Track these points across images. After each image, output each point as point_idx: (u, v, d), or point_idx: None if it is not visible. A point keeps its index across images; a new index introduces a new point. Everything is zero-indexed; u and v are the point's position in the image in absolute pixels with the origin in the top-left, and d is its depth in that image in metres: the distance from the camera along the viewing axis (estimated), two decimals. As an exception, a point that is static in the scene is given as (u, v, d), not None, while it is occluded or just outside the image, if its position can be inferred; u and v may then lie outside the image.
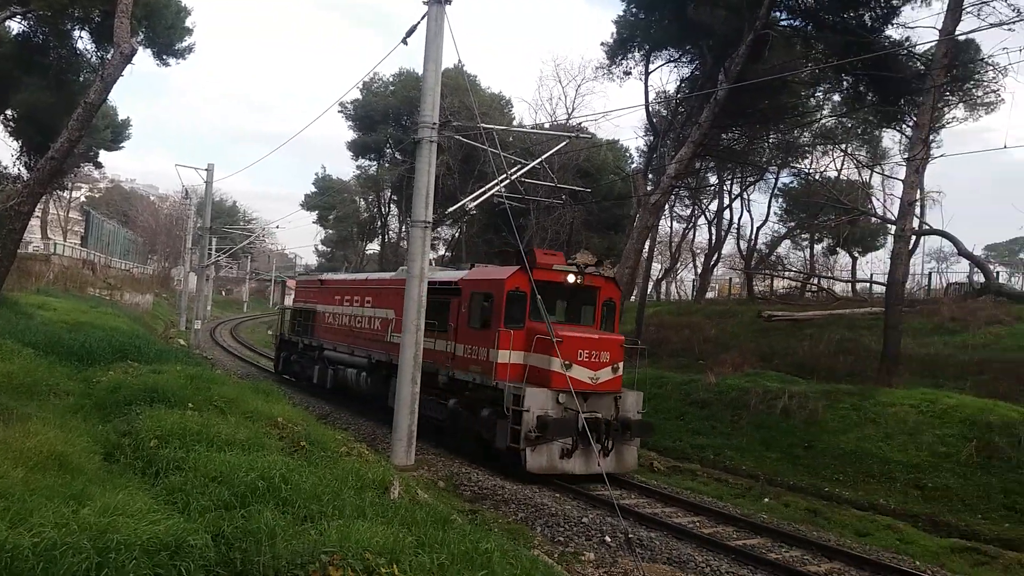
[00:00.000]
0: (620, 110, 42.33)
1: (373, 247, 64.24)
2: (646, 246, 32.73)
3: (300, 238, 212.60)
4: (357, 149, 54.41)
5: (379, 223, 58.93)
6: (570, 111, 41.30)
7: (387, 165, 52.20)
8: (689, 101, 30.37)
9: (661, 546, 10.98)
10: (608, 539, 11.09)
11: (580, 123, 38.77)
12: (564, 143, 22.98)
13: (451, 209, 20.16)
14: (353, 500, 6.53)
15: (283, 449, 8.55)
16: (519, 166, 19.03)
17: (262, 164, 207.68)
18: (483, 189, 18.42)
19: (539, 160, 20.21)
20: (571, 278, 15.62)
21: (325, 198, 65.65)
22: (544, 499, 13.09)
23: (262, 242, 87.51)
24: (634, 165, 42.26)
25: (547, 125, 39.40)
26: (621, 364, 15.11)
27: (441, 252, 53.30)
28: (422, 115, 14.55)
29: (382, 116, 50.31)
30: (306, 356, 25.52)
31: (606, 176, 42.20)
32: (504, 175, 17.56)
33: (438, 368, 16.78)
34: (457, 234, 48.62)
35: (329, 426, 13.83)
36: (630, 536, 10.91)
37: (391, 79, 51.56)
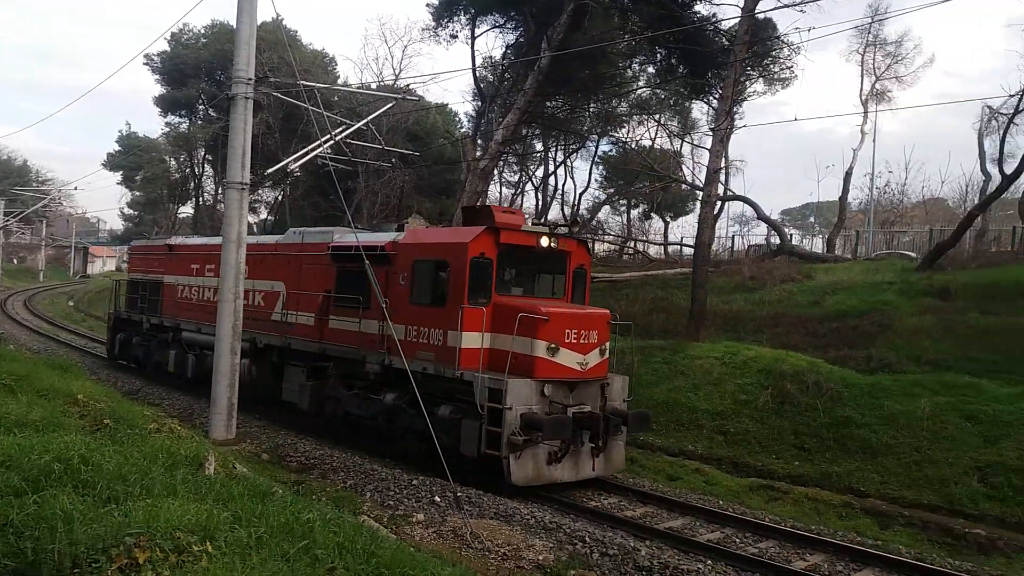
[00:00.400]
0: (447, 73, 42.25)
1: (186, 210, 60.40)
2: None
3: (103, 201, 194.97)
4: (166, 105, 50.73)
5: (192, 184, 55.36)
6: (397, 72, 40.61)
7: (200, 122, 49.08)
8: (515, 67, 30.79)
9: (489, 502, 11.26)
10: (438, 499, 11.22)
11: (408, 85, 38.24)
12: (391, 104, 22.58)
13: (271, 170, 19.26)
14: (163, 478, 6.17)
15: (84, 428, 7.92)
16: (344, 127, 18.53)
17: (56, 120, 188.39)
18: (306, 150, 17.78)
19: (365, 121, 19.76)
20: (544, 241, 13.06)
21: (131, 157, 60.88)
22: (374, 464, 13.02)
23: (59, 205, 79.75)
24: (463, 130, 42.42)
25: (374, 86, 38.52)
26: (608, 345, 12.87)
27: (263, 216, 51.09)
28: (236, 70, 13.75)
29: (193, 70, 47.12)
30: (155, 339, 21.42)
31: (436, 140, 42.01)
32: (328, 135, 17.03)
33: (365, 354, 13.97)
34: (280, 197, 46.70)
35: (139, 402, 13.04)
36: (459, 495, 11.10)
37: (203, 30, 48.32)
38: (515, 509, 10.95)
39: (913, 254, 31.13)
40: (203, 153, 51.73)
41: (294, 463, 13.12)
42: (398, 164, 34.37)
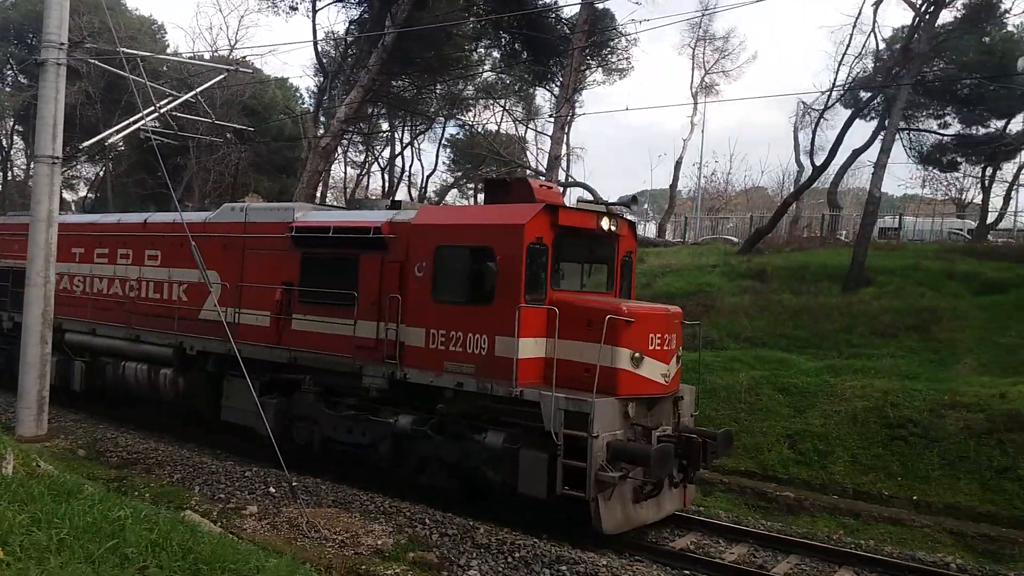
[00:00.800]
0: (287, 45, 40.57)
1: (-6, 186, 54.74)
2: (318, 191, 32.14)
3: None
4: (-33, 68, 45.59)
5: (0, 158, 50.22)
6: (233, 43, 38.59)
7: (8, 89, 44.55)
8: (358, 44, 30.07)
9: (327, 490, 11.05)
10: (272, 490, 10.89)
11: (244, 57, 36.51)
12: (223, 76, 21.44)
13: (87, 143, 17.79)
14: (-51, 481, 5.61)
15: None
16: (170, 98, 17.42)
17: None
18: (127, 122, 16.61)
19: (193, 93, 18.65)
20: (605, 223, 10.57)
21: (-75, 125, 54.30)
22: (204, 457, 12.43)
23: None
24: (304, 106, 41.06)
25: (207, 56, 36.42)
26: (681, 351, 10.72)
27: (83, 193, 47.29)
28: (46, 32, 12.77)
29: (1, 31, 42.64)
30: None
31: (275, 116, 40.36)
32: (152, 107, 15.96)
33: (361, 365, 11.15)
34: (101, 173, 43.34)
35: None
36: (294, 484, 10.81)
37: (11, -13, 43.74)
38: (354, 496, 10.82)
39: (735, 239, 33.48)
40: (12, 123, 46.97)
41: (115, 458, 12.30)
42: (233, 140, 32.80)
